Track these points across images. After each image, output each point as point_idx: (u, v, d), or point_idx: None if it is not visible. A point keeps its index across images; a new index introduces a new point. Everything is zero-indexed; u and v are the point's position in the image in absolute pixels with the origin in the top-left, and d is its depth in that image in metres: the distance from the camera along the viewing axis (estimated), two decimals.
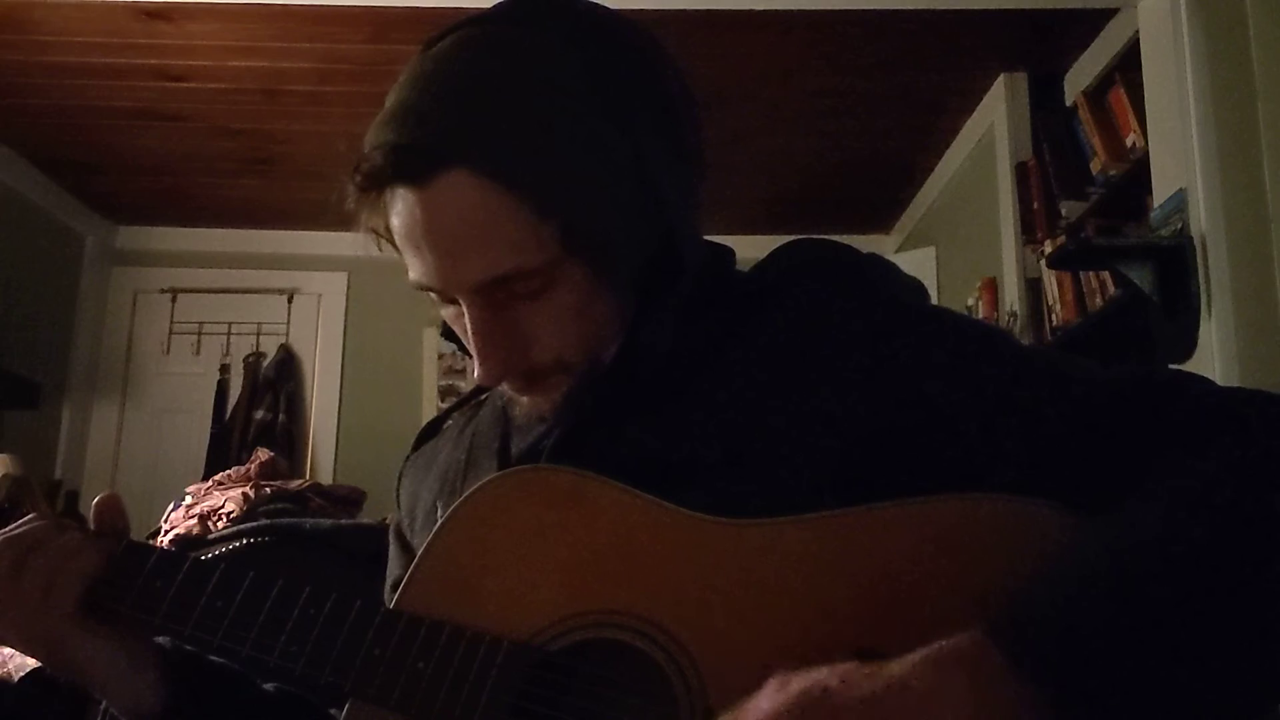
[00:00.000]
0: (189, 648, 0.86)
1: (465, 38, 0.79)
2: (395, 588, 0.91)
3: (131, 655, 0.84)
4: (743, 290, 0.87)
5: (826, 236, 0.93)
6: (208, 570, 0.83)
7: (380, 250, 0.81)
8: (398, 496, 1.00)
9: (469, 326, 0.79)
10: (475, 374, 0.80)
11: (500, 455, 0.89)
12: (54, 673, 0.89)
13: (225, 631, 0.80)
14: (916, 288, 0.91)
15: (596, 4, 0.84)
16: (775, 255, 0.90)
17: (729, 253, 0.91)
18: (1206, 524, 0.64)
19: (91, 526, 0.87)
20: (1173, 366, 2.42)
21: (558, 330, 0.80)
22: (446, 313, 0.83)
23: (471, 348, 0.80)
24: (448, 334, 0.87)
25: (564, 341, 0.81)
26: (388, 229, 0.79)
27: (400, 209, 0.77)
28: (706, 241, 0.89)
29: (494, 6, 0.82)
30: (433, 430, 1.02)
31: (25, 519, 0.84)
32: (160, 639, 0.87)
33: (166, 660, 0.86)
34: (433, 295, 0.81)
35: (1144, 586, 0.62)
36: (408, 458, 1.02)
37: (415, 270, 0.79)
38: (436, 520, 0.88)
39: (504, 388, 0.85)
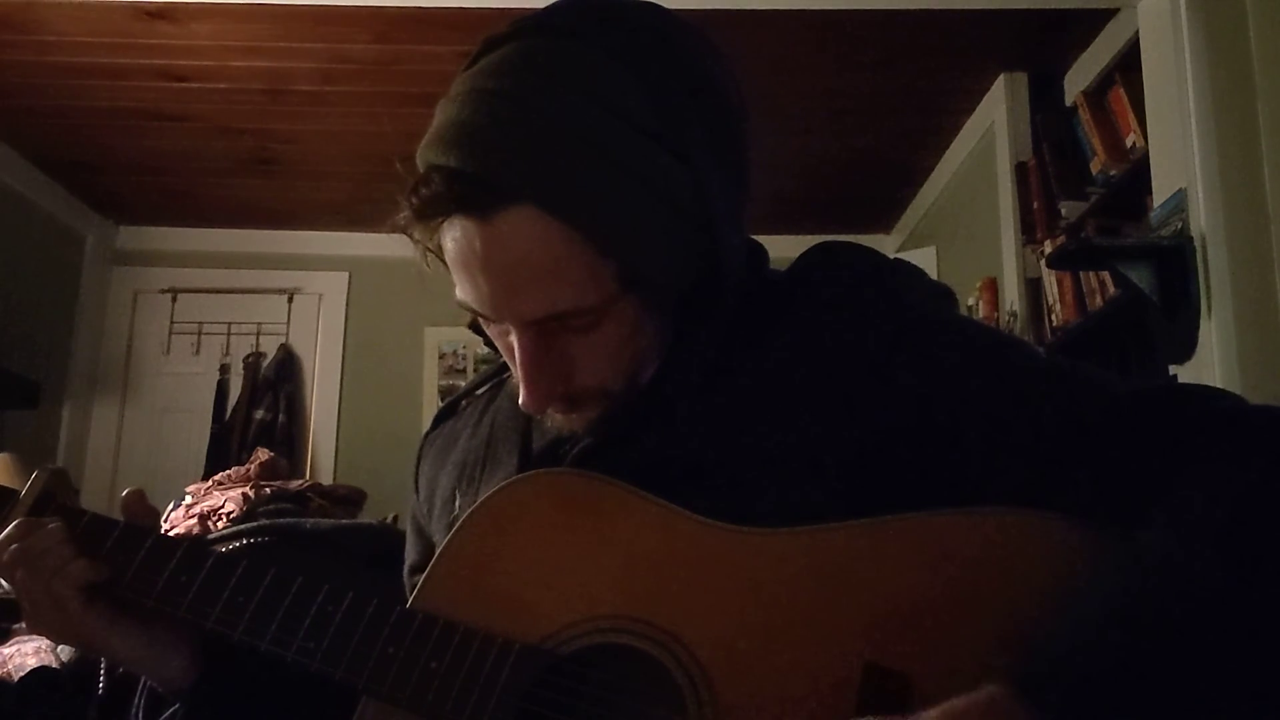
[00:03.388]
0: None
1: (523, 53, 0.76)
2: (413, 572, 0.92)
3: (159, 642, 0.89)
4: (767, 298, 0.86)
5: (845, 239, 0.91)
6: (230, 566, 0.85)
7: (426, 264, 0.80)
8: (416, 479, 1.00)
9: (518, 355, 0.79)
10: (520, 400, 0.80)
11: (521, 452, 0.90)
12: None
13: (245, 626, 0.83)
14: (942, 294, 0.89)
15: (651, 5, 0.81)
16: (804, 259, 0.90)
17: (763, 253, 0.90)
18: (1230, 563, 0.64)
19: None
20: (1173, 367, 2.42)
21: (604, 360, 0.80)
22: (492, 330, 0.82)
23: (518, 373, 0.80)
24: (475, 329, 0.86)
25: (609, 370, 0.81)
26: (438, 247, 0.78)
27: (459, 236, 0.75)
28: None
29: (546, 10, 0.79)
30: (452, 409, 1.02)
31: (11, 525, 0.88)
32: None
33: (197, 639, 0.90)
34: (478, 315, 0.80)
35: (1171, 636, 0.62)
36: (426, 435, 1.02)
37: (466, 294, 0.78)
38: (454, 509, 0.89)
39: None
